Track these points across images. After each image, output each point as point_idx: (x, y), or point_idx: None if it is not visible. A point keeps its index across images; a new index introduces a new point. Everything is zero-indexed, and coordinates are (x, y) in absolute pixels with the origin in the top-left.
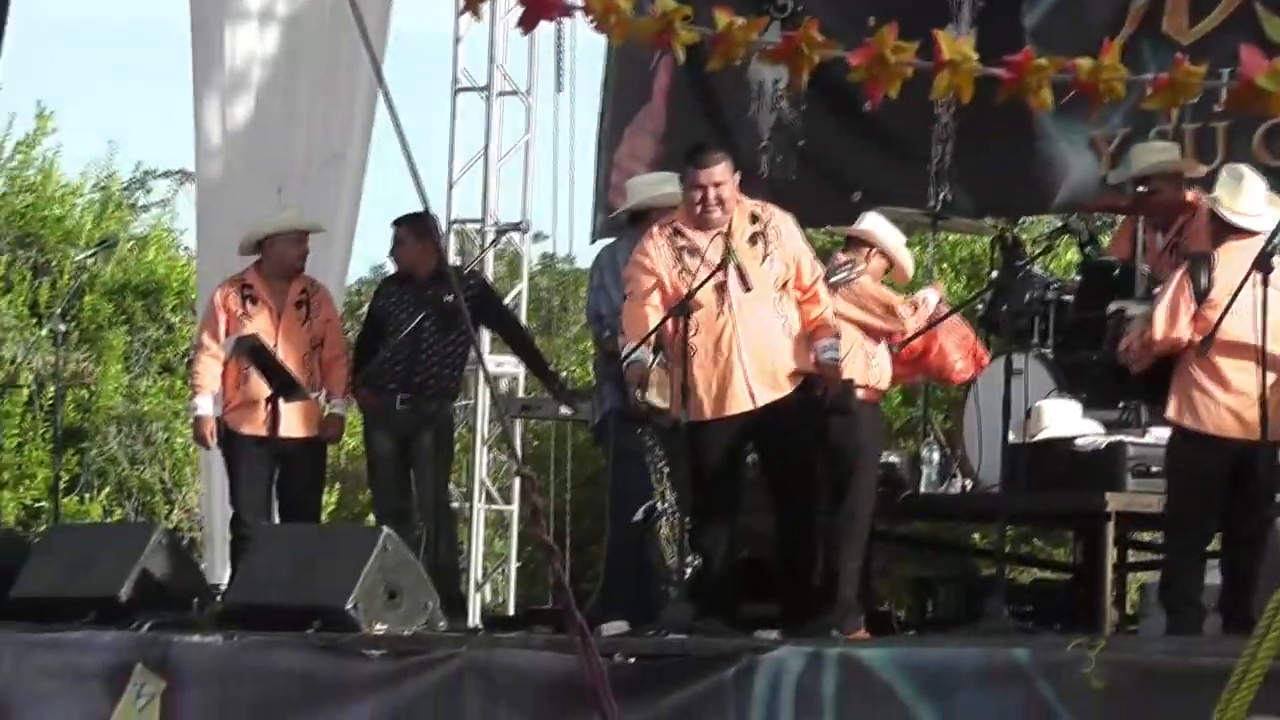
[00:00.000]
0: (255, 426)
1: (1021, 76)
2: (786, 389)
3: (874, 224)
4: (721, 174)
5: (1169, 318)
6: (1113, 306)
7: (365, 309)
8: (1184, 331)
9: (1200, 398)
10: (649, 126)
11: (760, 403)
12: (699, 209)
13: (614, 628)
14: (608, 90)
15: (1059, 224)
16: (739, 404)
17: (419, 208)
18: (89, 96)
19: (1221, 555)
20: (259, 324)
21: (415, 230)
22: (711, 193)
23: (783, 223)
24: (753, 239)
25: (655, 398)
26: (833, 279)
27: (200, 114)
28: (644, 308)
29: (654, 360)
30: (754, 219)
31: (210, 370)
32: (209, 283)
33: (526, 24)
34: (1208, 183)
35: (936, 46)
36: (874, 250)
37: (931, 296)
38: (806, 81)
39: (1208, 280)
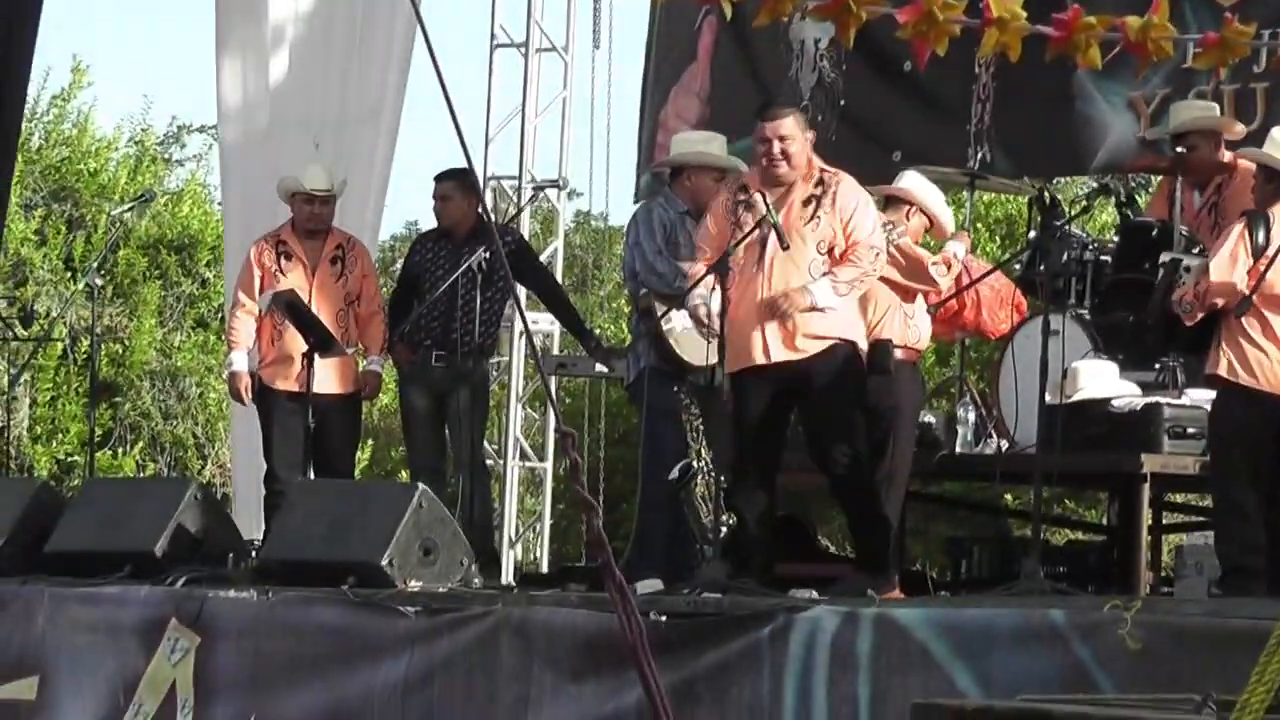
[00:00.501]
0: (289, 382)
1: (1070, 35)
2: (807, 350)
3: (913, 182)
4: (788, 128)
5: (1229, 265)
6: (1166, 256)
7: (399, 265)
8: (1241, 280)
9: (1254, 353)
10: (694, 87)
11: (774, 359)
12: (764, 162)
13: (648, 585)
14: (651, 50)
15: (1096, 184)
16: (753, 358)
17: (452, 165)
18: (124, 50)
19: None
20: (293, 280)
21: (462, 185)
22: (776, 146)
23: (844, 189)
24: (808, 200)
25: (685, 354)
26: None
27: (222, 73)
28: (695, 264)
29: (681, 317)
30: (819, 183)
31: (245, 326)
32: (235, 239)
33: None
34: (1243, 145)
35: (985, 4)
36: (913, 209)
37: (959, 249)
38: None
39: (1265, 238)
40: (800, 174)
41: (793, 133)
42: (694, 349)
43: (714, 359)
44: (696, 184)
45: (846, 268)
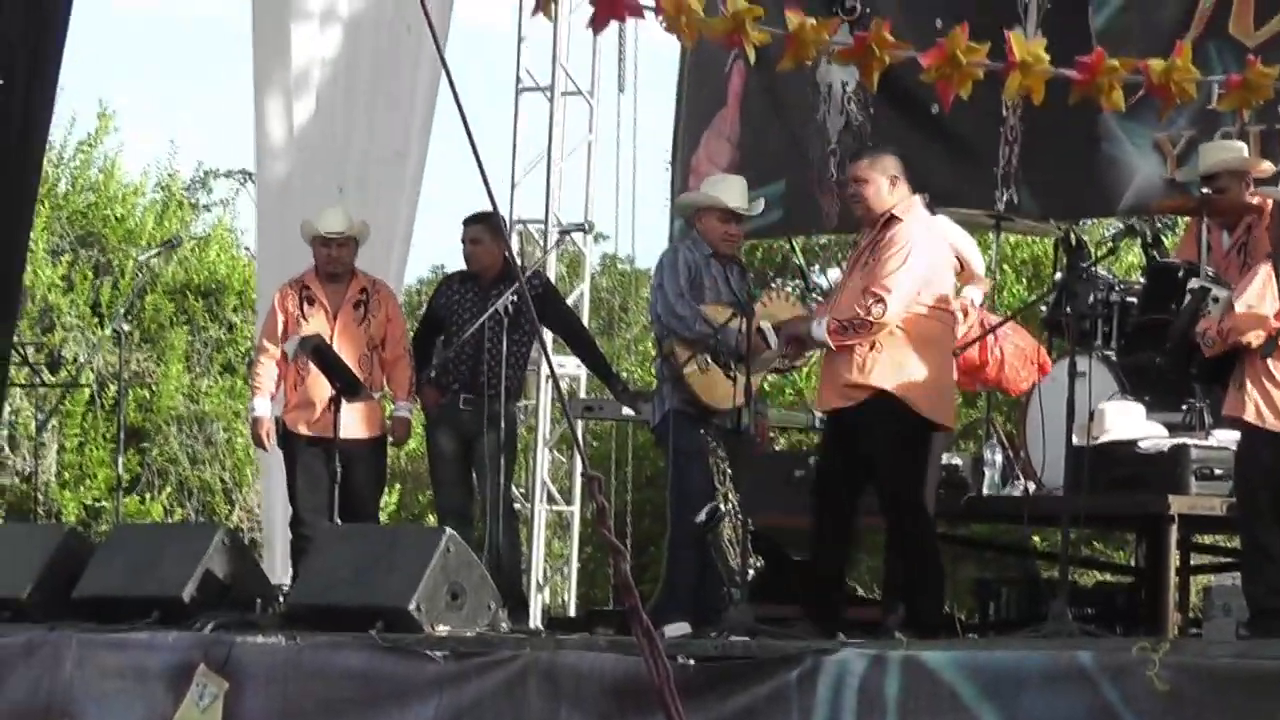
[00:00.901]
0: (313, 427)
1: (1093, 77)
2: (850, 400)
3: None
4: (863, 170)
5: (1257, 300)
6: (1195, 283)
7: (425, 308)
8: (1270, 312)
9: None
10: (724, 130)
11: (825, 408)
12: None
13: (676, 629)
14: (682, 95)
15: (1122, 225)
16: (821, 405)
17: (478, 208)
18: (151, 96)
19: None
20: (315, 324)
21: (491, 228)
22: (850, 187)
23: (894, 233)
24: (870, 243)
25: (705, 396)
26: None
27: (262, 114)
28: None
29: (695, 359)
30: (885, 225)
31: (268, 371)
32: (269, 284)
33: (597, 24)
34: (1271, 184)
35: (1008, 47)
36: None
37: (976, 295)
38: (876, 83)
39: None
40: (872, 217)
41: (865, 174)
42: (715, 391)
43: (738, 401)
44: (705, 225)
45: (844, 308)
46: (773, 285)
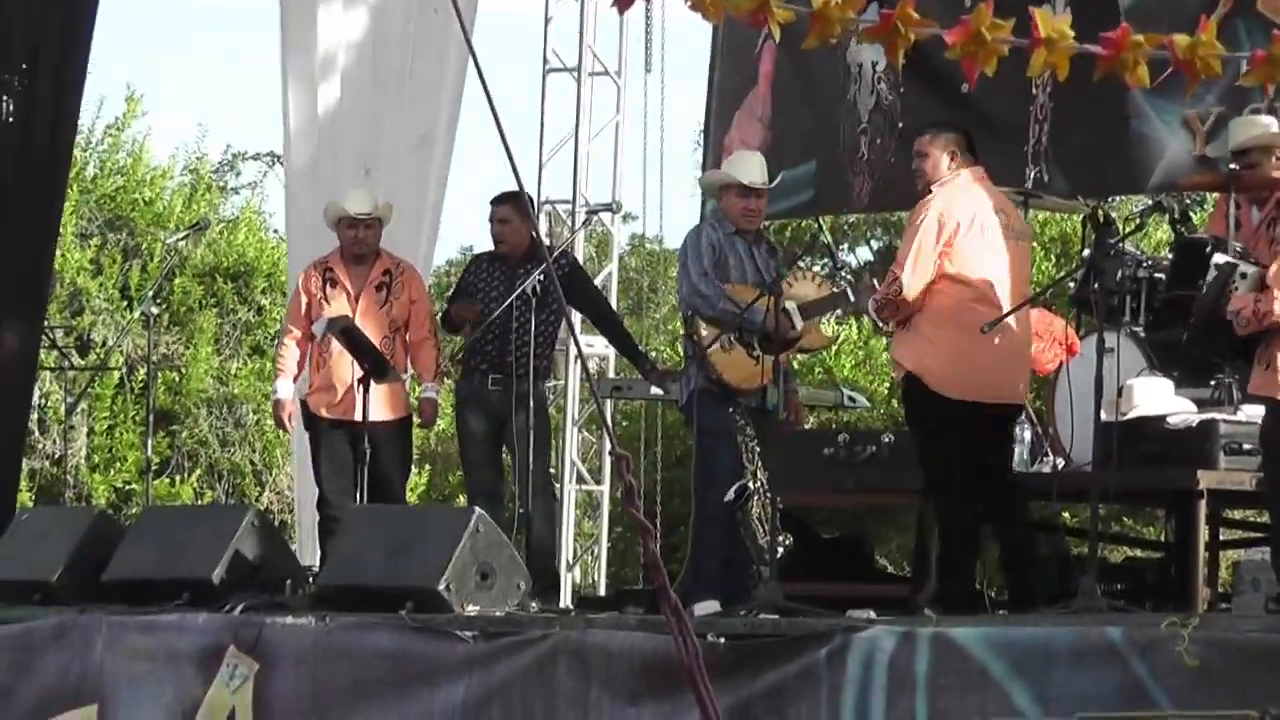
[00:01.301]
0: (336, 409)
1: (1118, 53)
2: (897, 377)
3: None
4: (924, 145)
5: None
6: (1221, 259)
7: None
8: None
9: None
10: (756, 111)
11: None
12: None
13: (705, 607)
14: (714, 75)
15: (1150, 202)
16: None
17: (506, 189)
18: (178, 79)
19: None
20: (337, 306)
21: (519, 208)
22: (914, 161)
23: (921, 208)
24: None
25: (728, 376)
26: None
27: (289, 97)
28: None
29: (720, 339)
30: (921, 201)
31: (291, 353)
32: (298, 266)
33: (622, 4)
34: None
35: (1033, 24)
36: None
37: None
38: (904, 62)
39: None
40: (933, 187)
41: (925, 149)
42: (738, 371)
43: (764, 380)
44: (725, 203)
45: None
46: (799, 265)
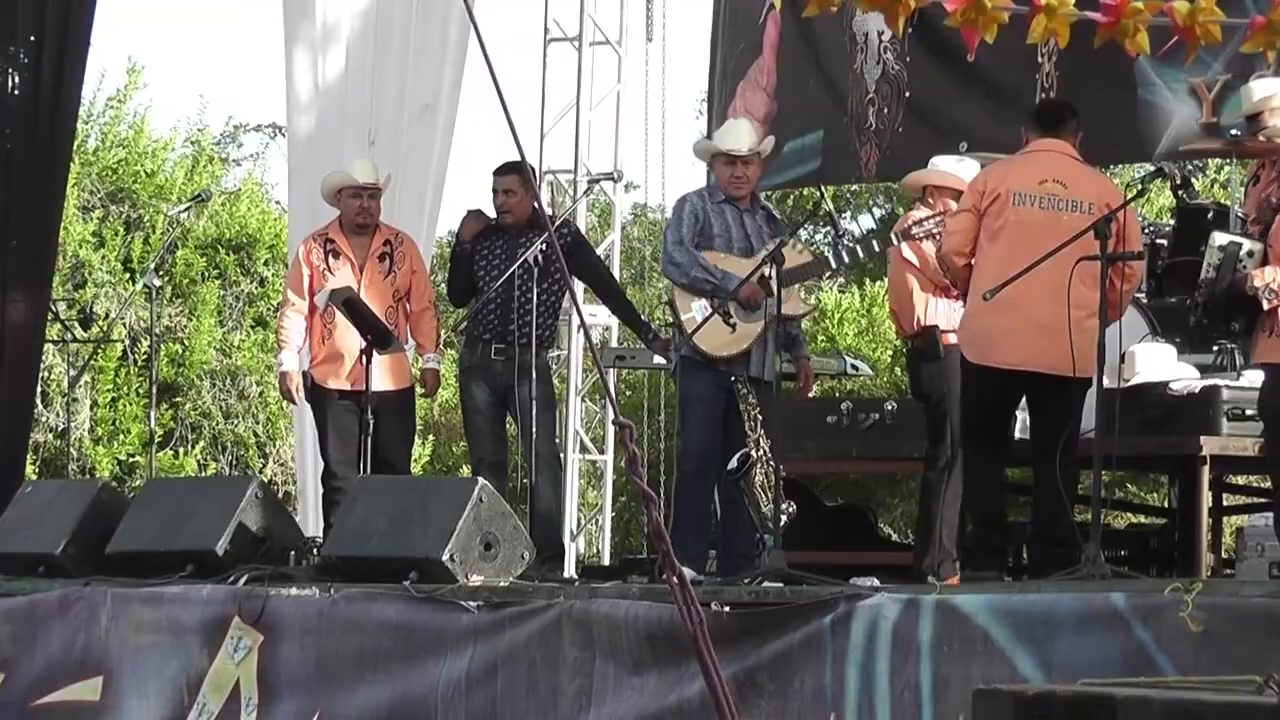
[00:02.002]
0: (341, 380)
1: (1118, 20)
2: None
3: (946, 164)
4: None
5: None
6: (1223, 239)
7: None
8: None
9: None
10: (761, 81)
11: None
12: None
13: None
14: (716, 46)
15: (1152, 168)
16: None
17: (507, 159)
18: (179, 51)
19: None
20: (342, 278)
21: (524, 178)
22: None
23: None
24: None
25: (705, 345)
26: (916, 231)
27: (291, 67)
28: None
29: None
30: None
31: (294, 325)
32: (299, 238)
33: None
34: None
35: None
36: (953, 194)
37: None
38: (910, 31)
39: None
40: None
41: None
42: (713, 339)
43: (737, 348)
44: (715, 171)
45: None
46: (785, 235)
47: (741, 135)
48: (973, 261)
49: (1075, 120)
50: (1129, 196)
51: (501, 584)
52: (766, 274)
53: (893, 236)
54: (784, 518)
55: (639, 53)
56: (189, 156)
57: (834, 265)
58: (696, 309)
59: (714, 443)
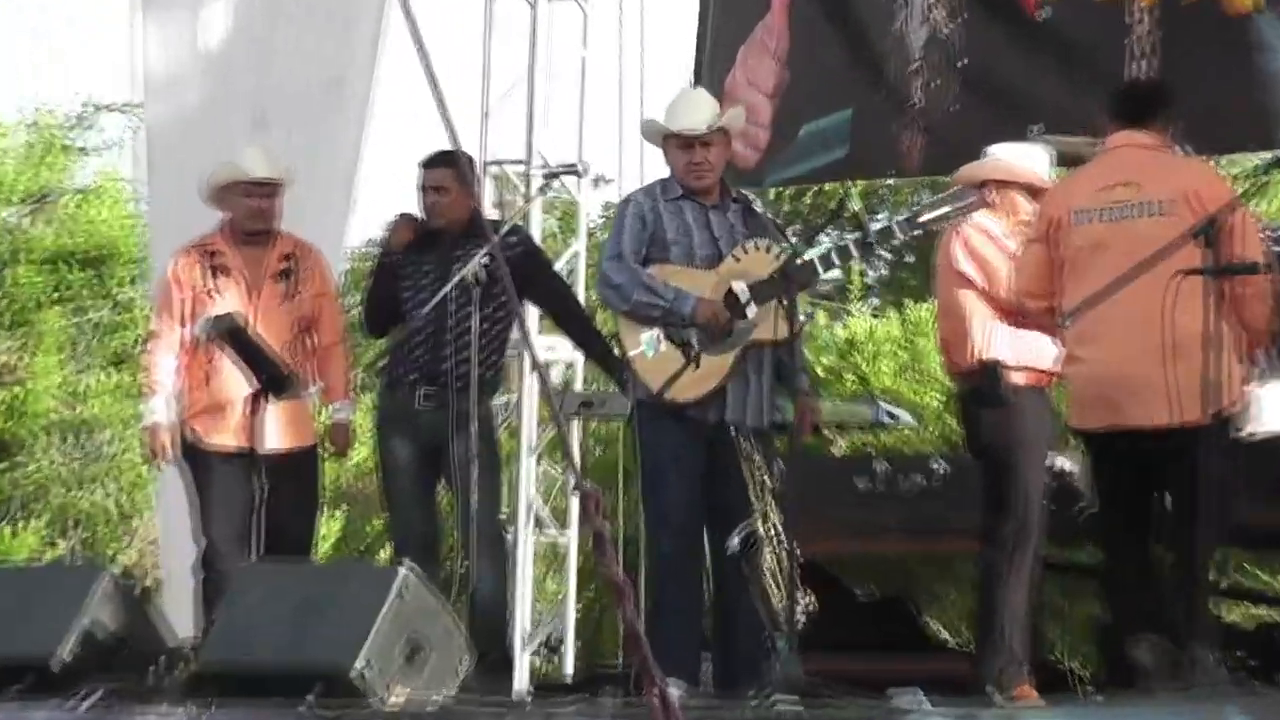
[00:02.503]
0: (227, 435)
1: None
2: None
3: (1008, 154)
4: None
5: None
6: None
7: (370, 281)
8: None
9: None
10: (769, 44)
11: None
12: None
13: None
14: (708, 2)
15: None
16: None
17: (439, 147)
18: (19, 16)
19: None
20: (230, 301)
21: (458, 173)
22: None
23: None
24: None
25: (651, 382)
26: (926, 217)
27: (151, 30)
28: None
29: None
30: None
31: (165, 364)
32: (163, 248)
33: None
34: None
35: None
36: (1013, 190)
37: None
38: None
39: None
40: None
41: None
42: (659, 373)
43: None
44: (670, 159)
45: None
46: (753, 241)
47: (697, 108)
48: (1054, 305)
49: (1168, 109)
50: (1241, 191)
51: (431, 702)
52: (733, 287)
53: (899, 227)
54: (801, 614)
55: (610, 9)
56: (30, 145)
57: (821, 272)
58: (645, 341)
59: (695, 513)
